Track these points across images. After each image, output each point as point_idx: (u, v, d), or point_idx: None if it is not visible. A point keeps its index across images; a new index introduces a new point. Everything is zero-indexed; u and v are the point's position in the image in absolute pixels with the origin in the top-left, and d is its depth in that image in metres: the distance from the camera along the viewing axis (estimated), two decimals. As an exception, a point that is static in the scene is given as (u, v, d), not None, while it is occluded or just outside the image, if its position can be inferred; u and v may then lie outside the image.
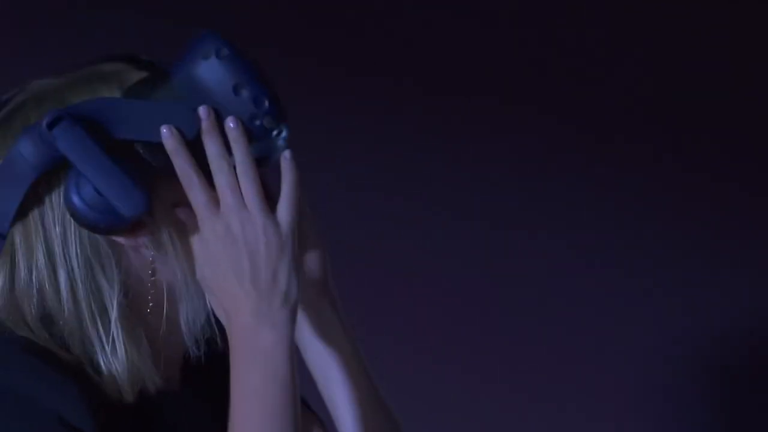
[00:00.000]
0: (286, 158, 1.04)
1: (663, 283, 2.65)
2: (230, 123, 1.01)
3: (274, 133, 1.04)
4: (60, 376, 0.97)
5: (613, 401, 2.62)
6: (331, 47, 2.49)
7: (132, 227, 1.01)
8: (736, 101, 2.69)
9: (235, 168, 1.01)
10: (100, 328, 1.01)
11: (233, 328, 1.00)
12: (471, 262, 2.59)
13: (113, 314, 1.01)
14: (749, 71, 2.69)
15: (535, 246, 2.64)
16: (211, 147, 1.01)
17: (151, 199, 0.99)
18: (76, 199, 0.99)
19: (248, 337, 0.99)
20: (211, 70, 1.02)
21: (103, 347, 1.00)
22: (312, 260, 1.10)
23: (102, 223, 0.99)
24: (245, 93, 1.03)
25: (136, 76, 1.05)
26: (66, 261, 1.01)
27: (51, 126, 0.99)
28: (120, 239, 1.02)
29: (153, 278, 1.02)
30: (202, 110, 1.01)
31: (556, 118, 2.64)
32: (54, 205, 1.02)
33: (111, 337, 1.00)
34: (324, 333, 1.12)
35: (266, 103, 1.03)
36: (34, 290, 1.02)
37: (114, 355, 1.00)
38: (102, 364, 1.00)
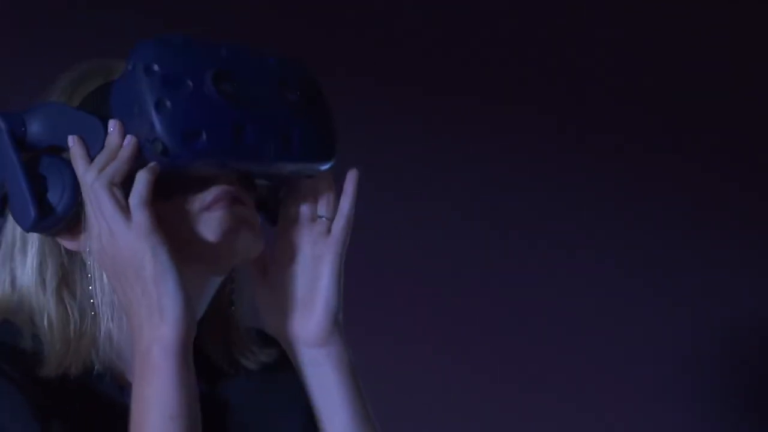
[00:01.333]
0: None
1: (669, 284, 2.66)
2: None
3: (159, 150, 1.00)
4: (4, 385, 0.98)
5: (620, 401, 2.63)
6: (332, 47, 2.50)
7: (71, 231, 1.03)
8: (739, 101, 2.69)
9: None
10: (41, 301, 1.03)
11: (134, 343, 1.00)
12: (478, 262, 2.59)
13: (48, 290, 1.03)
14: (749, 71, 2.69)
15: (538, 246, 2.64)
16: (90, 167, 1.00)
17: (58, 211, 1.00)
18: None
19: (141, 351, 0.98)
20: (126, 83, 1.01)
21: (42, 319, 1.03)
22: (316, 308, 1.08)
23: (25, 225, 1.02)
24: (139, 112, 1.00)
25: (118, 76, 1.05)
26: (31, 246, 1.05)
27: None
28: (62, 240, 1.04)
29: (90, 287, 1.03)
30: (110, 123, 1.00)
31: (556, 118, 2.65)
32: None
33: (47, 310, 1.03)
34: (320, 396, 1.08)
35: (156, 128, 0.99)
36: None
37: (50, 327, 1.03)
38: (43, 334, 1.03)
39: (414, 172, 2.56)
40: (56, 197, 1.01)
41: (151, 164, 0.98)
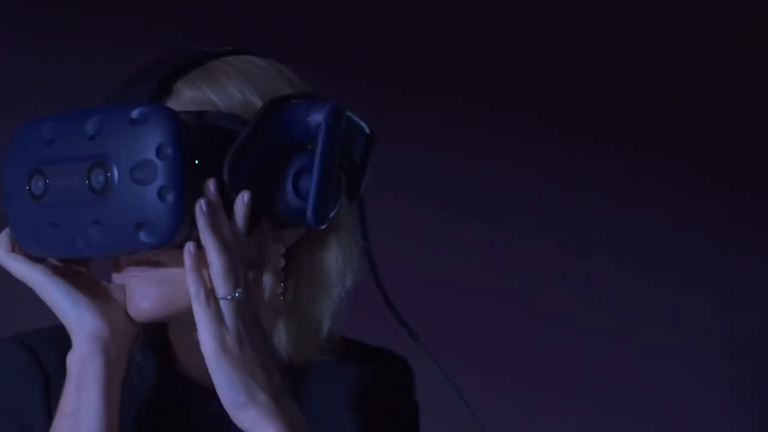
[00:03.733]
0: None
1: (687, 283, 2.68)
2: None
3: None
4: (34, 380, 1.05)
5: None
6: (330, 46, 2.50)
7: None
8: (752, 103, 2.70)
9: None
10: None
11: None
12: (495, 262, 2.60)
13: None
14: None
15: (537, 246, 2.64)
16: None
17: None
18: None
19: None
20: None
21: None
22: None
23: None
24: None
25: None
26: None
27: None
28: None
29: None
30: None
31: (571, 121, 2.65)
32: None
33: None
34: None
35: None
36: None
37: None
38: None
39: (423, 172, 2.57)
40: None
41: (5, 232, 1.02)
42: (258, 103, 1.00)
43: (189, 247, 0.94)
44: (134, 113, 0.93)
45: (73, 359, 0.98)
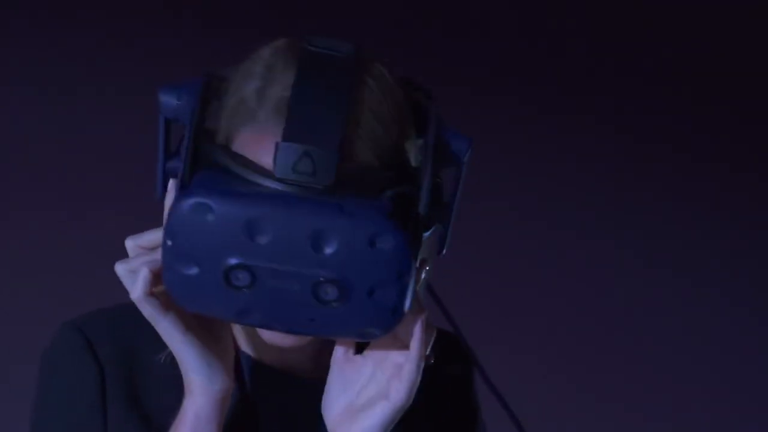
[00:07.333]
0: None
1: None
2: None
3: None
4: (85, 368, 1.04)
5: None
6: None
7: None
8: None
9: None
10: None
11: None
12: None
13: None
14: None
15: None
16: None
17: None
18: None
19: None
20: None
21: None
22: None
23: None
24: None
25: None
26: None
27: None
28: None
29: None
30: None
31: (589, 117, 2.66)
32: None
33: None
34: None
35: None
36: None
37: None
38: None
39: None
40: None
41: (153, 260, 0.94)
42: (396, 139, 0.95)
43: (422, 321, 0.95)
44: (376, 238, 0.89)
45: (191, 411, 0.97)
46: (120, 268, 0.94)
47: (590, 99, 2.72)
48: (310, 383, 1.05)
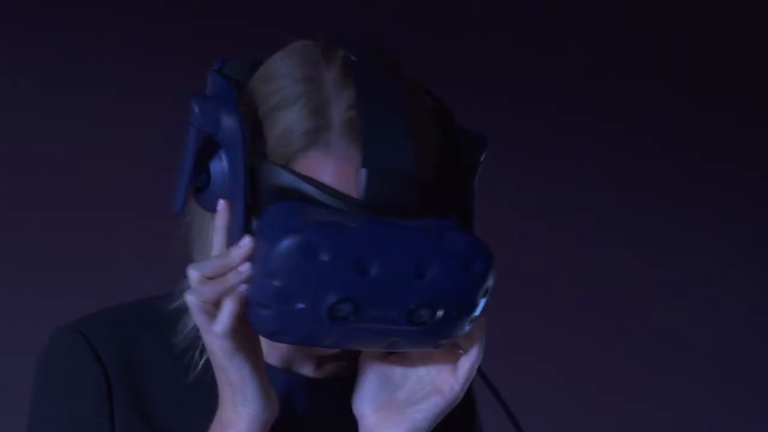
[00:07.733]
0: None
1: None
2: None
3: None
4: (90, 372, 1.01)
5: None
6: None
7: None
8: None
9: None
10: None
11: None
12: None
13: None
14: None
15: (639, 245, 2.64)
16: None
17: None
18: None
19: (219, 420, 0.98)
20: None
21: None
22: None
23: None
24: None
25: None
26: None
27: None
28: None
29: None
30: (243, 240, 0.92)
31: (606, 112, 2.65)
32: None
33: None
34: None
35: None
36: None
37: None
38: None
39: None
40: None
41: (237, 293, 0.90)
42: (434, 147, 0.95)
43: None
44: (471, 262, 0.91)
45: None
46: (192, 300, 0.90)
47: (590, 99, 2.71)
48: (315, 381, 1.05)
